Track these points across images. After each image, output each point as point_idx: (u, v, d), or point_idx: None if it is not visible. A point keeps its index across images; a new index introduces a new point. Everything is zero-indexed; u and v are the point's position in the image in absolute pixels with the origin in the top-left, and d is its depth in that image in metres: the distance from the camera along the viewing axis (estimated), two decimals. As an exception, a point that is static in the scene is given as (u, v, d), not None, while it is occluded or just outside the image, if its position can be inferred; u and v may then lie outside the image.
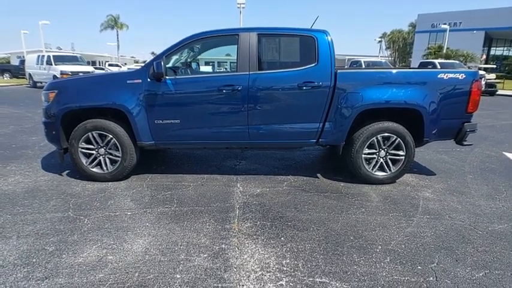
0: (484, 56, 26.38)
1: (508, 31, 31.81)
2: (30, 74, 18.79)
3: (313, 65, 3.49)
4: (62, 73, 15.37)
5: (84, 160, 3.71)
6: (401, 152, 3.64)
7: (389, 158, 3.68)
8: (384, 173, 3.70)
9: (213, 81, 3.54)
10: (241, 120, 3.56)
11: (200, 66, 4.40)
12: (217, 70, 4.70)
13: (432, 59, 23.02)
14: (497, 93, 16.63)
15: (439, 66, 16.07)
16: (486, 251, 2.41)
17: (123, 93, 3.54)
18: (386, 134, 3.58)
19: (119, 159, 3.68)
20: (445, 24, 28.51)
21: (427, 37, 35.18)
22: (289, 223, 2.81)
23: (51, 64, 16.46)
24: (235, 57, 3.51)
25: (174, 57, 3.75)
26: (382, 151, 3.66)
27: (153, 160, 4.57)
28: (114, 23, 47.38)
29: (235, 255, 2.34)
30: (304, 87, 3.47)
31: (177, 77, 3.58)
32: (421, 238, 2.57)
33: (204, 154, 4.87)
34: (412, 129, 3.63)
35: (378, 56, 37.17)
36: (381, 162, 3.68)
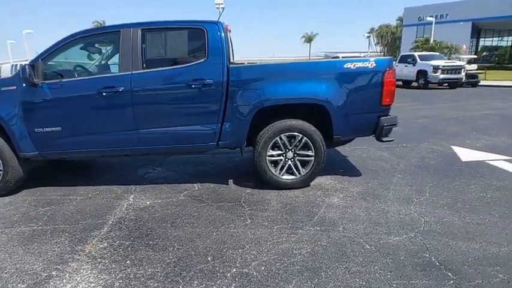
0: (465, 47, 25.80)
1: (496, 21, 31.30)
2: (6, 84, 18.51)
3: (203, 60, 3.11)
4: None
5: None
6: (310, 153, 3.24)
7: (298, 160, 3.28)
8: (292, 177, 3.30)
9: (92, 83, 3.15)
10: (128, 124, 3.17)
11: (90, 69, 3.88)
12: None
13: (419, 51, 22.56)
14: (480, 84, 16.19)
15: (418, 59, 15.69)
16: (360, 272, 2.01)
17: None
18: (290, 133, 3.19)
19: (1, 172, 3.32)
20: (431, 16, 28.04)
21: (414, 30, 34.60)
22: (151, 242, 2.42)
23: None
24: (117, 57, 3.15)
25: (58, 59, 3.37)
26: (290, 152, 3.27)
27: (62, 170, 4.22)
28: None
29: (58, 284, 1.97)
30: (194, 85, 3.08)
31: (53, 81, 3.18)
32: (292, 257, 2.18)
33: (120, 162, 4.48)
34: (322, 126, 3.25)
35: (367, 52, 36.71)
36: (289, 164, 3.29)
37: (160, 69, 3.15)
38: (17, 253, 2.34)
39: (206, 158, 4.44)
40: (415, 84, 16.13)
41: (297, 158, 3.28)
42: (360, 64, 3.13)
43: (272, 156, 3.25)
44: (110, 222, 2.77)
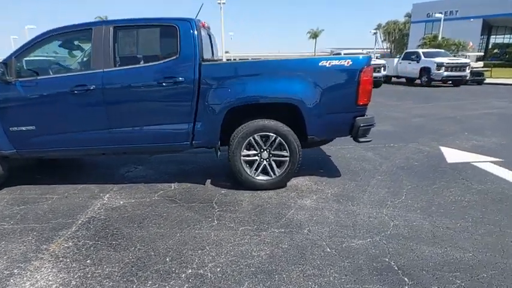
0: (471, 44, 25.18)
1: (508, 18, 30.50)
2: None
3: (174, 57, 3.10)
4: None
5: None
6: (285, 153, 3.21)
7: (274, 160, 3.25)
8: (268, 177, 3.27)
9: (64, 81, 3.16)
10: (101, 123, 3.18)
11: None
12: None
13: (427, 48, 22.17)
14: (486, 82, 15.83)
15: (422, 56, 15.40)
16: (314, 275, 1.99)
17: None
18: (264, 133, 3.16)
19: None
20: (440, 13, 27.48)
21: (423, 27, 33.99)
22: (115, 242, 2.43)
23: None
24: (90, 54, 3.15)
25: (31, 57, 3.39)
26: (265, 152, 3.24)
27: (45, 168, 4.28)
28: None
29: (18, 282, 2.00)
30: (165, 83, 3.07)
31: (27, 78, 3.20)
32: (249, 259, 2.16)
33: (103, 160, 4.50)
34: (297, 126, 3.21)
35: (373, 49, 36.17)
36: (264, 164, 3.26)
37: (131, 67, 3.15)
38: (-17, 251, 2.39)
39: (188, 157, 4.45)
40: (419, 82, 15.89)
41: (272, 158, 3.25)
42: (335, 62, 3.07)
43: (247, 156, 3.23)
44: (80, 221, 2.79)
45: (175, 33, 3.10)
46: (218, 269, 2.06)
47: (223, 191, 3.34)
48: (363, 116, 3.24)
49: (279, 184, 3.31)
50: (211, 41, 3.95)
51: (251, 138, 3.16)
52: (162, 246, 2.35)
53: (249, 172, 3.25)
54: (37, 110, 3.19)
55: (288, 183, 3.42)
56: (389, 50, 43.45)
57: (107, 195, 3.33)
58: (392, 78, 18.11)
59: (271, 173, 3.27)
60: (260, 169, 3.26)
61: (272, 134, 3.15)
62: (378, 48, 40.35)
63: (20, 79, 3.15)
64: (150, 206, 3.03)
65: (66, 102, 3.14)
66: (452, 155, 4.35)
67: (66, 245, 2.42)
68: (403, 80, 17.41)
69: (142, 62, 3.20)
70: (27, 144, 3.30)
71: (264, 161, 3.26)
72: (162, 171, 4.03)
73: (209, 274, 2.02)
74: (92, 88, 3.07)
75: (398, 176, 3.63)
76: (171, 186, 3.53)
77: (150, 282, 1.96)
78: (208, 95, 3.09)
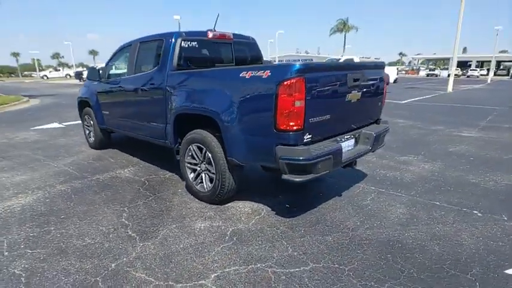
0: None
1: None
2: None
3: (157, 67, 3.53)
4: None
5: None
6: (211, 169, 2.91)
7: (207, 174, 3.04)
8: (203, 190, 3.11)
9: (116, 82, 4.35)
10: (128, 115, 4.19)
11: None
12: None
13: None
14: None
15: None
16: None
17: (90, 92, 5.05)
18: (198, 144, 3.03)
19: (91, 133, 5.28)
20: None
21: None
22: (67, 196, 3.32)
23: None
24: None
25: (116, 64, 4.74)
26: (203, 164, 3.07)
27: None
28: (342, 26, 50.81)
29: None
30: (151, 89, 3.60)
31: (108, 79, 4.61)
32: (61, 255, 2.38)
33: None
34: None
35: None
36: (201, 176, 3.12)
37: (137, 74, 3.87)
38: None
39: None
40: None
41: (206, 171, 3.04)
42: (254, 73, 2.41)
43: (190, 164, 3.22)
44: (88, 178, 3.92)
45: (161, 46, 3.50)
46: (33, 246, 2.43)
47: (180, 190, 3.47)
48: (294, 145, 2.29)
49: (211, 199, 3.05)
50: (232, 50, 4.02)
51: (190, 147, 3.12)
52: (61, 211, 2.98)
53: (190, 179, 3.23)
54: (108, 101, 4.65)
55: (234, 203, 3.08)
56: None
57: (132, 168, 4.31)
58: None
59: (205, 186, 3.07)
60: (198, 179, 3.15)
61: (202, 146, 2.95)
62: None
63: (106, 80, 4.68)
64: (122, 183, 3.72)
65: (115, 98, 4.37)
66: None
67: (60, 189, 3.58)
68: None
69: (145, 70, 3.81)
70: (108, 124, 4.86)
71: (203, 172, 3.10)
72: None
73: (23, 245, 2.45)
74: (121, 89, 4.13)
75: (362, 254, 2.22)
76: (166, 173, 4.04)
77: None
78: (170, 101, 3.32)
